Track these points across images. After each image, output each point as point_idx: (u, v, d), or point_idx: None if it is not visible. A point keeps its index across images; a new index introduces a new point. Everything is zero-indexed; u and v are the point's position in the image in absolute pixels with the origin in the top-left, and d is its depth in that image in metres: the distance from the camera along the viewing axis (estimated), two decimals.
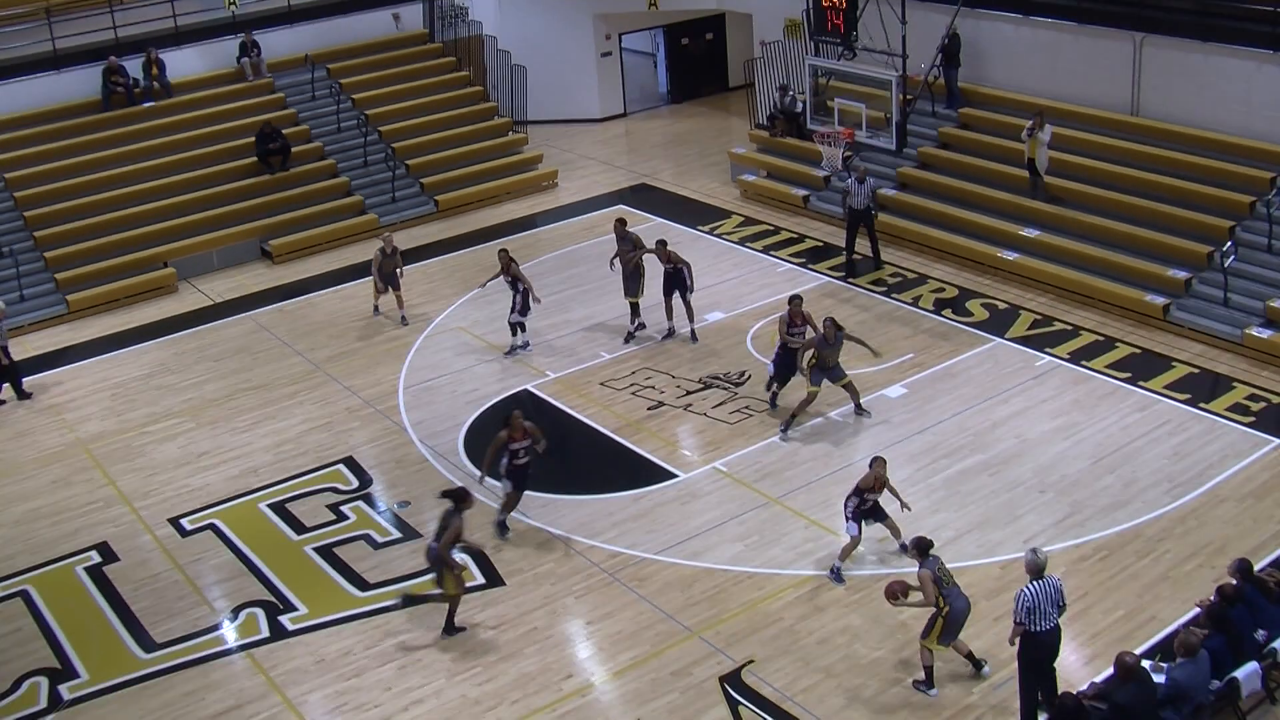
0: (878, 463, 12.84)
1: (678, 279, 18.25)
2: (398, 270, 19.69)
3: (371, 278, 19.88)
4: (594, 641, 12.67)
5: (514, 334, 18.48)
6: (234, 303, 21.46)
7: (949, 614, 11.24)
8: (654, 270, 18.61)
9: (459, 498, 12.72)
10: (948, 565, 11.52)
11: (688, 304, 18.37)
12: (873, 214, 20.19)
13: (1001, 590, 12.58)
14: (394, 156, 25.40)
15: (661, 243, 18.32)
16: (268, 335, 20.01)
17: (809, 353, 15.75)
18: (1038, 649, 10.65)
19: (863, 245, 20.56)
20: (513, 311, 18.23)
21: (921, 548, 11.29)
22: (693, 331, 18.52)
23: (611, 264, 18.85)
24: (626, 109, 30.87)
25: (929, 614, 11.40)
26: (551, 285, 20.53)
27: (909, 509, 13.24)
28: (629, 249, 18.56)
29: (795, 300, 16.22)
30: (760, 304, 19.61)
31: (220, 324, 20.60)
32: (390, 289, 19.79)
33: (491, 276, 18.72)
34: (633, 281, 18.58)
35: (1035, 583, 10.58)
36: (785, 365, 16.20)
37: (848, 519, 12.94)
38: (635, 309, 18.72)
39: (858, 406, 16.07)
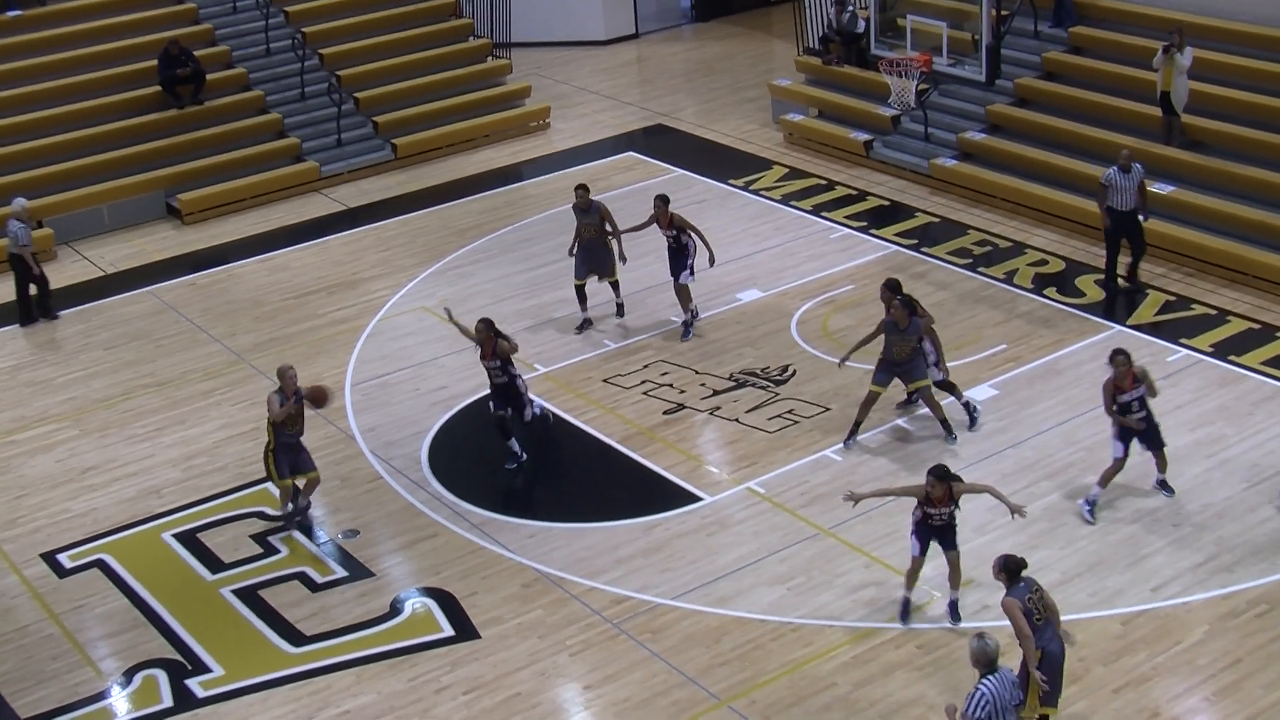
0: (930, 477, 12.69)
1: (678, 254, 17.90)
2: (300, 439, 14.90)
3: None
4: (593, 711, 12.63)
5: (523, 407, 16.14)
6: (131, 274, 21.44)
7: (1041, 661, 11.15)
8: (647, 244, 18.56)
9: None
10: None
11: (678, 289, 18.00)
12: (1142, 217, 18.47)
13: (1123, 653, 12.49)
14: (339, 88, 25.36)
15: (662, 200, 18.08)
16: (175, 316, 19.99)
17: (880, 338, 15.62)
18: None
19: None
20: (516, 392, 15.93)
21: (1010, 569, 11.23)
22: (686, 324, 18.13)
23: (571, 250, 18.51)
24: (639, 29, 30.84)
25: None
26: (541, 255, 20.52)
27: (1021, 514, 12.95)
28: (596, 223, 18.28)
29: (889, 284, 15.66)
30: (808, 279, 19.54)
31: (113, 301, 20.58)
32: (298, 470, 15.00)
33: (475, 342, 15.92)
34: (600, 259, 18.33)
35: (991, 678, 10.39)
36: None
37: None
38: (611, 289, 18.46)
39: (943, 424, 15.87)
